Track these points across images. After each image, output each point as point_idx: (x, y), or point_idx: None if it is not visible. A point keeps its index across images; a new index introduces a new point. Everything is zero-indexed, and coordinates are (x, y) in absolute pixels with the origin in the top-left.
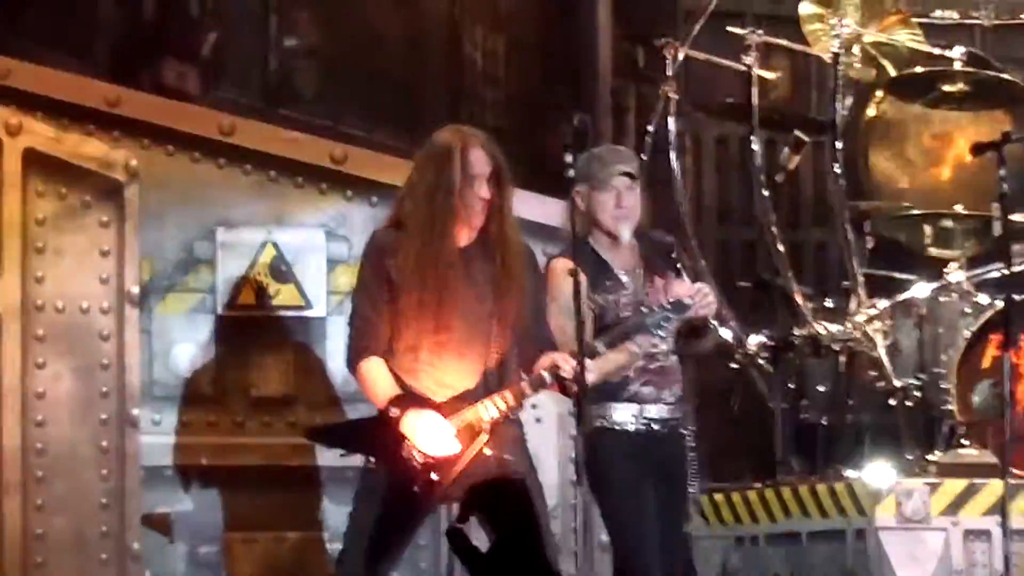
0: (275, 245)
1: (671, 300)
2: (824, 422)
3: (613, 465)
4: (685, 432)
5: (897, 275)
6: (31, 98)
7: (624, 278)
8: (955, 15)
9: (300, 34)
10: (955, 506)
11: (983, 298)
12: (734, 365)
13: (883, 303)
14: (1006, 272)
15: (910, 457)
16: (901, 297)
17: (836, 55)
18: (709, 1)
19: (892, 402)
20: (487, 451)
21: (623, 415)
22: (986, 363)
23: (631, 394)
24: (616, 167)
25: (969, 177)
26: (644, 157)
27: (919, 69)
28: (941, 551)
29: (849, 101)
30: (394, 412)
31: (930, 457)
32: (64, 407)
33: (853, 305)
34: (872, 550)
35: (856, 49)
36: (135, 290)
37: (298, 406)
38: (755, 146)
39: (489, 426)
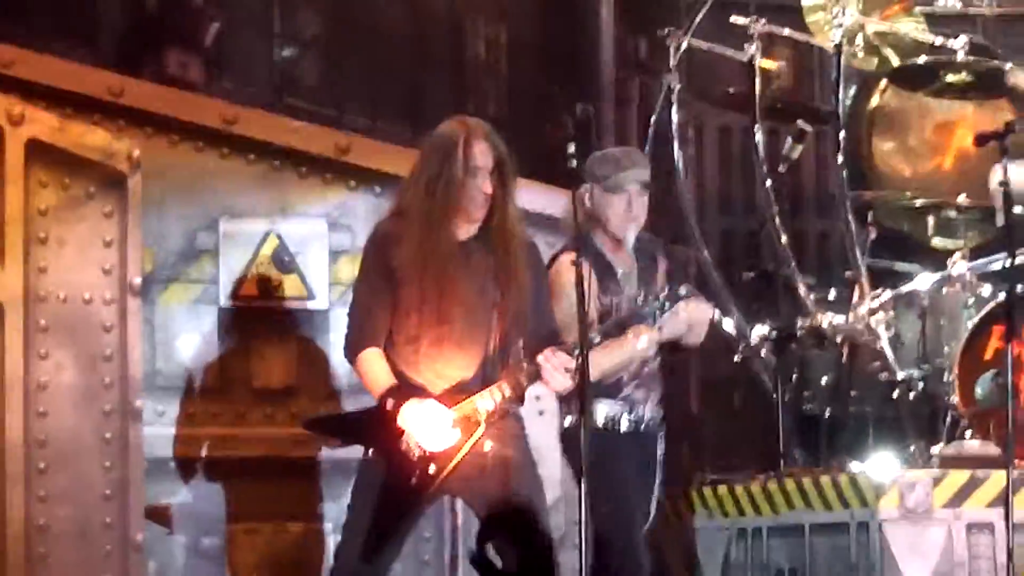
0: (278, 236)
1: (666, 290)
2: (827, 414)
3: (608, 459)
4: (662, 432)
5: (900, 266)
6: (34, 88)
7: (623, 280)
8: (958, 4)
9: (303, 24)
10: (958, 498)
11: (986, 289)
12: (737, 357)
13: (886, 294)
14: (1009, 263)
15: (913, 449)
16: (904, 288)
17: (839, 45)
18: None
19: (895, 394)
20: (487, 445)
21: (615, 412)
22: (989, 354)
23: (625, 395)
24: (633, 173)
25: (972, 167)
26: (647, 148)
27: (922, 59)
28: (944, 543)
29: (852, 91)
30: (390, 403)
31: (933, 449)
32: (67, 398)
33: (856, 296)
34: (875, 542)
35: (859, 39)
36: (138, 281)
37: (301, 397)
38: (758, 136)
39: (486, 417)
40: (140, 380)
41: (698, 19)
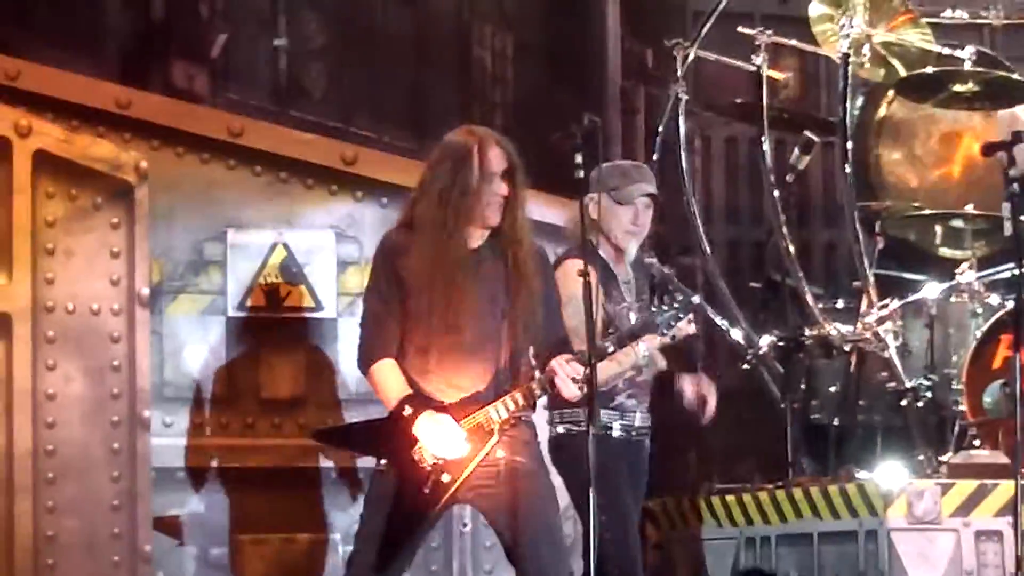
0: (285, 246)
1: (680, 299)
2: (835, 423)
3: (600, 467)
4: (647, 445)
5: (907, 275)
6: (41, 99)
7: (625, 290)
8: (965, 15)
9: (309, 35)
10: (966, 507)
11: (994, 298)
12: (744, 366)
13: (894, 303)
14: (1017, 272)
15: (921, 458)
16: (912, 297)
17: (846, 55)
18: (718, 2)
19: (903, 403)
20: (499, 453)
21: (607, 420)
22: (997, 363)
23: (617, 404)
24: (641, 186)
25: (979, 177)
26: (654, 157)
27: (929, 69)
28: (952, 552)
29: (859, 101)
30: (407, 411)
31: (941, 458)
32: (75, 409)
33: (863, 305)
34: (883, 551)
35: (866, 49)
36: (145, 291)
37: (309, 407)
38: (765, 146)
39: (499, 427)
40: (148, 391)
41: (705, 29)
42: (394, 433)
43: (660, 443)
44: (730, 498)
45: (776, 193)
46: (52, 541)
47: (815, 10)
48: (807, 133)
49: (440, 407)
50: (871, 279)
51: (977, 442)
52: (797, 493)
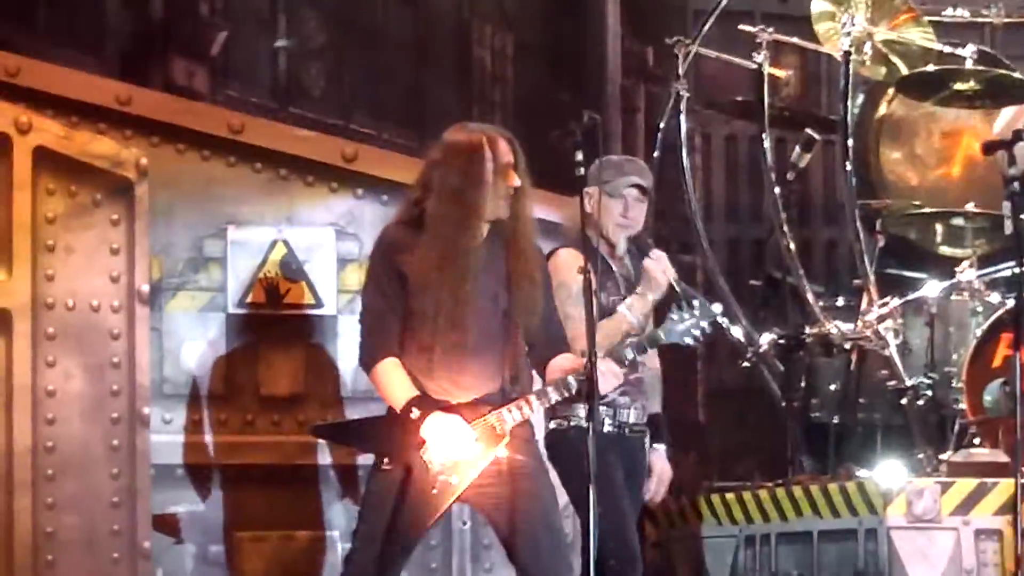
0: (285, 243)
1: (700, 307)
2: (835, 421)
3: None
4: (647, 441)
5: (908, 273)
6: (41, 96)
7: (621, 283)
8: (966, 13)
9: (309, 33)
10: (966, 505)
11: (994, 297)
12: (744, 364)
13: (894, 302)
14: (1017, 271)
15: (921, 456)
16: (912, 296)
17: (847, 53)
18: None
19: (903, 401)
20: (501, 452)
21: (600, 415)
22: (997, 362)
23: (609, 400)
24: (630, 178)
25: (979, 175)
26: (656, 155)
27: (930, 67)
28: (952, 551)
29: (860, 99)
30: (415, 413)
31: (941, 456)
32: (74, 405)
33: (864, 304)
34: (883, 549)
35: (867, 47)
36: (145, 288)
37: (308, 404)
38: (765, 144)
39: (510, 431)
40: (148, 387)
41: (706, 27)
42: (399, 432)
43: None
44: (730, 496)
45: (777, 191)
46: (52, 537)
47: (816, 8)
48: (808, 131)
49: (449, 408)
50: (871, 277)
51: (977, 440)
52: (797, 491)
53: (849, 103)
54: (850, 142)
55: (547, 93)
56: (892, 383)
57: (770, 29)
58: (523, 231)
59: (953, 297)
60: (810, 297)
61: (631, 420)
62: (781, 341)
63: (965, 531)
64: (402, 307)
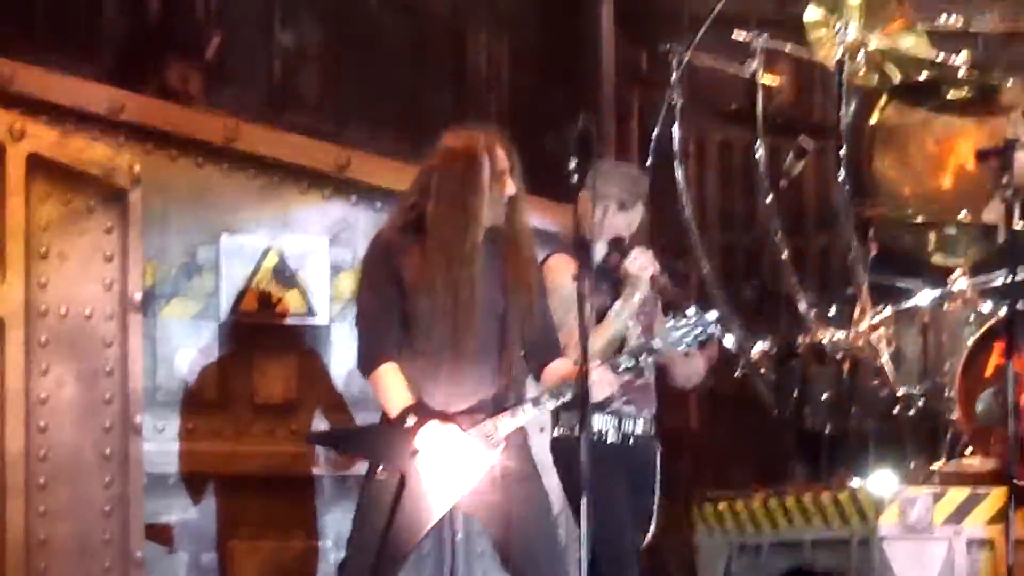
0: (279, 251)
1: (697, 315)
2: (827, 430)
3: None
4: (657, 449)
5: (901, 282)
6: (35, 102)
7: (612, 288)
8: (959, 21)
9: (304, 38)
10: (958, 515)
11: (987, 306)
12: (737, 373)
13: (887, 310)
14: (1010, 280)
15: (913, 465)
16: (905, 304)
17: (840, 61)
18: (713, 6)
19: (896, 410)
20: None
21: (603, 425)
22: (990, 371)
23: (613, 409)
24: (610, 189)
25: (973, 184)
26: (649, 161)
27: (923, 75)
28: (944, 559)
29: (853, 107)
30: (410, 421)
31: (933, 466)
32: (67, 413)
33: (857, 312)
34: (875, 559)
35: (860, 55)
36: (138, 295)
37: (301, 412)
38: (759, 152)
39: (505, 439)
40: (140, 395)
41: (700, 34)
42: (395, 440)
43: None
44: (722, 505)
45: (770, 198)
46: (44, 545)
47: (810, 16)
48: (801, 138)
49: (445, 417)
50: (865, 286)
51: (969, 450)
52: (789, 500)
53: (843, 111)
54: (843, 150)
55: (542, 99)
56: (885, 392)
57: (764, 36)
58: (519, 238)
59: (946, 306)
60: (803, 305)
61: (637, 430)
62: (774, 350)
63: (957, 540)
64: (399, 311)
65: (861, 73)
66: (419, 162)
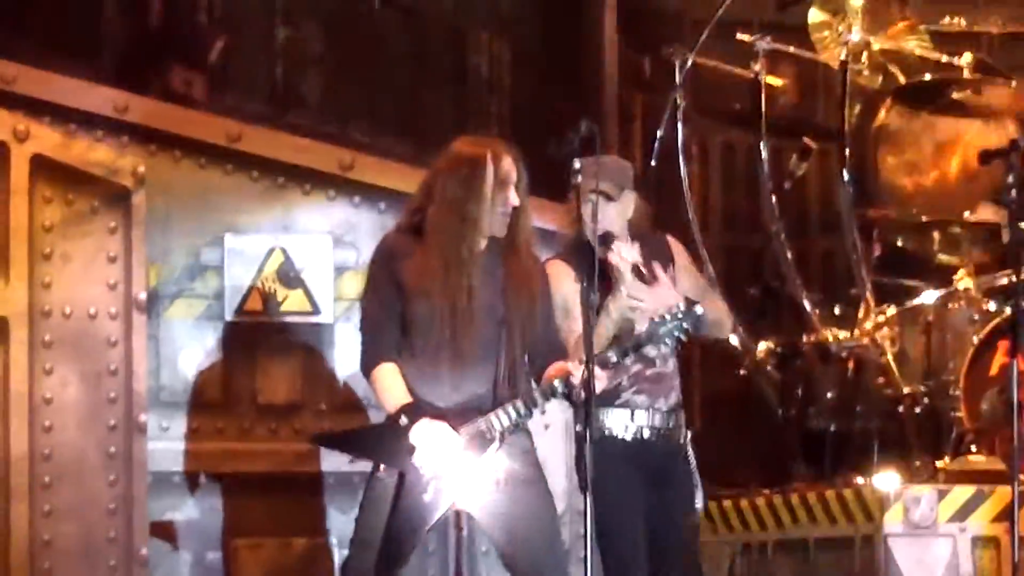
0: (283, 251)
1: (683, 308)
2: (832, 429)
3: (604, 470)
4: (682, 440)
5: (905, 282)
6: (39, 104)
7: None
8: (963, 22)
9: (306, 41)
10: (963, 513)
11: (991, 305)
12: (742, 372)
13: (891, 310)
14: (1015, 279)
15: (918, 464)
16: (909, 304)
17: (844, 62)
18: (716, 9)
19: (900, 409)
20: (498, 461)
21: (615, 421)
22: (994, 370)
23: (623, 401)
24: (589, 183)
25: (977, 184)
26: (652, 163)
27: (927, 77)
28: (949, 558)
29: (857, 108)
30: (404, 420)
31: (938, 464)
32: (71, 413)
33: (861, 312)
34: (880, 557)
35: (864, 56)
36: (142, 296)
37: (305, 412)
38: (763, 153)
39: (500, 436)
40: (144, 395)
41: (704, 36)
42: (393, 439)
43: None
44: (727, 504)
45: (774, 200)
46: (48, 545)
47: (814, 17)
48: (805, 140)
49: (437, 415)
50: (869, 285)
51: (974, 448)
52: (794, 499)
53: (846, 112)
54: (847, 151)
55: (544, 102)
56: (889, 391)
57: (768, 38)
58: (521, 249)
59: (950, 305)
60: (807, 305)
61: (654, 422)
62: (778, 350)
63: (962, 538)
64: (399, 314)
65: (865, 74)
66: (420, 163)
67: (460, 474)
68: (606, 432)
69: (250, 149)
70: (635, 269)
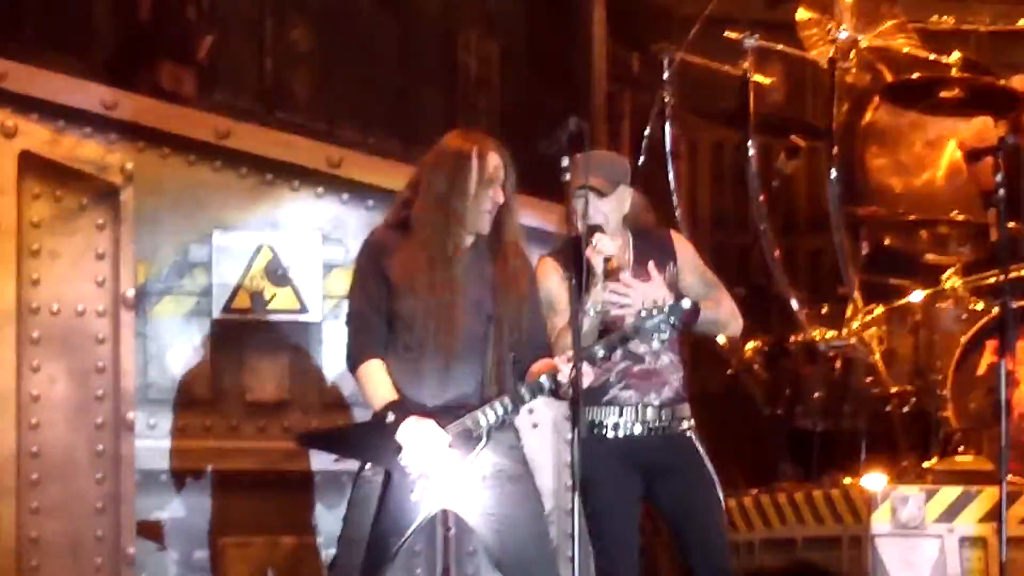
0: (271, 248)
1: (670, 303)
2: (819, 428)
3: (592, 468)
4: (684, 432)
5: (893, 281)
6: (27, 100)
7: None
8: (951, 21)
9: (295, 38)
10: (951, 513)
11: (979, 304)
12: (729, 372)
13: (879, 309)
14: (1002, 278)
15: (905, 464)
16: (897, 303)
17: (832, 61)
18: (705, 6)
19: (888, 408)
20: (484, 457)
21: (603, 419)
22: (982, 370)
23: (611, 397)
24: (580, 178)
25: (964, 183)
26: (640, 161)
27: (915, 75)
28: (937, 558)
29: (845, 106)
30: (390, 418)
31: (926, 464)
32: (59, 410)
33: (849, 311)
34: (867, 557)
35: (852, 54)
36: (130, 293)
37: (293, 410)
38: (751, 151)
39: (487, 433)
40: (132, 393)
41: (692, 34)
42: (379, 438)
43: None
44: None
45: (762, 198)
46: (36, 543)
47: (802, 15)
48: (793, 138)
49: (423, 413)
50: (856, 284)
51: (962, 448)
52: (781, 499)
53: (835, 110)
54: (835, 149)
55: (533, 99)
56: (877, 391)
57: (756, 36)
58: (507, 248)
59: (938, 304)
60: (795, 304)
61: (643, 418)
62: (766, 349)
63: (950, 539)
64: (386, 310)
65: (853, 72)
66: (409, 161)
67: (447, 473)
68: (594, 430)
69: (239, 146)
70: (608, 263)
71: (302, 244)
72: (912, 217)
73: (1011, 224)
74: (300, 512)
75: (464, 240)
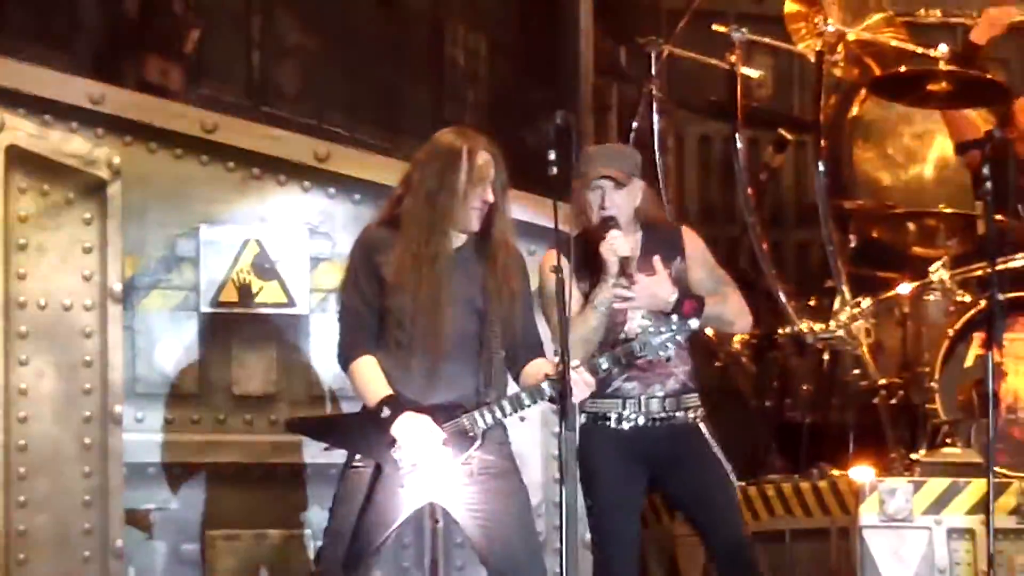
0: (258, 242)
1: (677, 317)
2: (807, 421)
3: (594, 459)
4: (693, 422)
5: (880, 273)
6: (14, 95)
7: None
8: (938, 14)
9: (283, 32)
10: (938, 505)
11: (967, 297)
12: (717, 364)
13: (866, 302)
14: (990, 270)
15: (893, 456)
16: (884, 296)
17: (820, 54)
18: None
19: (875, 401)
20: (474, 453)
21: (607, 410)
22: (970, 362)
23: (614, 389)
24: (598, 169)
25: (952, 175)
26: None
27: (903, 68)
28: (925, 550)
29: (832, 100)
30: (386, 412)
31: (913, 456)
32: (47, 404)
33: (836, 304)
34: (856, 549)
35: (840, 48)
36: (118, 287)
37: (280, 404)
38: (738, 144)
39: (482, 434)
40: (120, 386)
41: (680, 27)
42: (371, 430)
43: None
44: None
45: (749, 191)
46: (23, 536)
47: (789, 8)
48: (780, 131)
49: (420, 409)
50: (844, 277)
51: (949, 440)
52: (769, 491)
53: (822, 103)
54: (823, 142)
55: (520, 92)
56: (864, 383)
57: (744, 29)
58: (497, 246)
59: (926, 297)
60: (782, 297)
61: (648, 409)
62: (754, 341)
63: (937, 530)
64: (379, 306)
65: (841, 66)
66: (396, 155)
67: (437, 469)
68: (598, 422)
69: (226, 140)
70: (624, 263)
71: (289, 238)
72: (899, 210)
73: (998, 217)
74: (288, 505)
75: (453, 238)
